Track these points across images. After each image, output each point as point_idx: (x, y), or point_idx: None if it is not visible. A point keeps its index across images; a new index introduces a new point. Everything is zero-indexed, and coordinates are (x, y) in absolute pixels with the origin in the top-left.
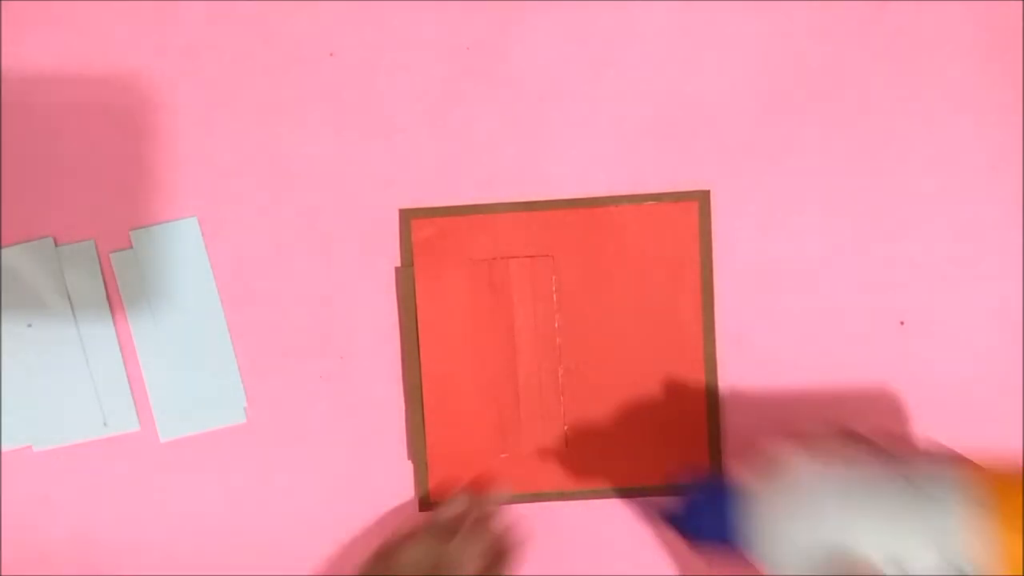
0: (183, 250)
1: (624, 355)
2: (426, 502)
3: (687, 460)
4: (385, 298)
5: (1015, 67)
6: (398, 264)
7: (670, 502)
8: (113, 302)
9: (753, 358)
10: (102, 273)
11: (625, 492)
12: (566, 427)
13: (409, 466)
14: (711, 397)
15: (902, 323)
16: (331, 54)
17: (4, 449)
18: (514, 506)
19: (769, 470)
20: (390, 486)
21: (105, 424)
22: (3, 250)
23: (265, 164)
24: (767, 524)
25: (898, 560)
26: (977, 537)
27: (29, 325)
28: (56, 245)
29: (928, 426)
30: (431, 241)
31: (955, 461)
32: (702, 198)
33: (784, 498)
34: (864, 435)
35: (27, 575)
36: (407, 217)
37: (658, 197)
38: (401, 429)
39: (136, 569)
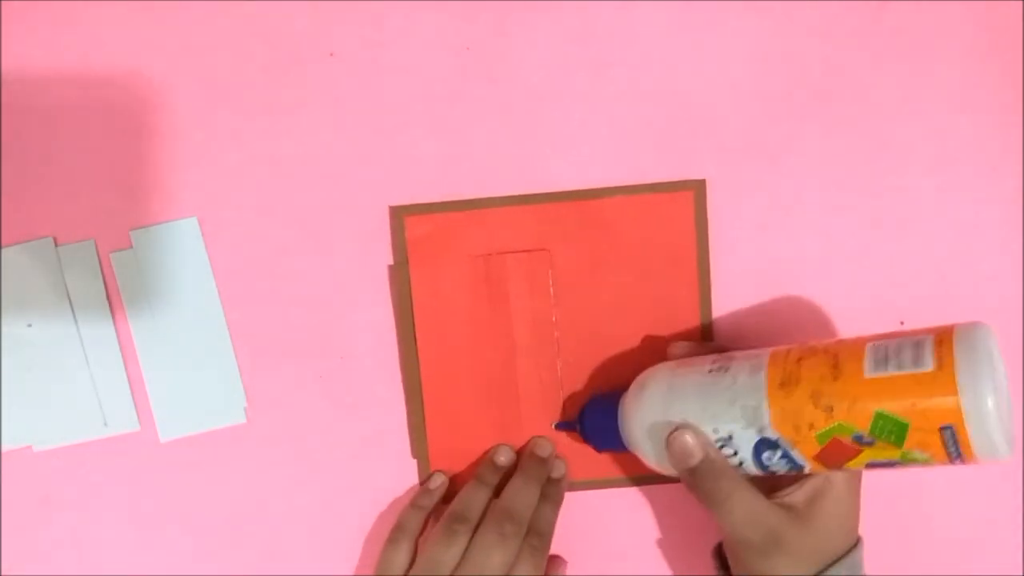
0: (183, 250)
1: (623, 347)
2: None
3: None
4: (385, 297)
5: (1015, 67)
6: (391, 262)
7: (576, 419)
8: (113, 302)
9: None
10: (102, 273)
11: (626, 482)
12: (566, 420)
13: (410, 464)
14: None
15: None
16: (331, 54)
17: (4, 449)
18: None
19: (638, 383)
20: (392, 485)
21: (105, 424)
22: (3, 250)
23: (265, 164)
24: (632, 420)
25: (720, 434)
26: (769, 406)
27: (29, 325)
28: (56, 245)
29: None
30: (426, 238)
31: (761, 354)
32: (697, 188)
33: (642, 398)
34: (720, 347)
35: (27, 575)
36: (399, 214)
37: (653, 188)
38: (402, 428)
39: (136, 569)
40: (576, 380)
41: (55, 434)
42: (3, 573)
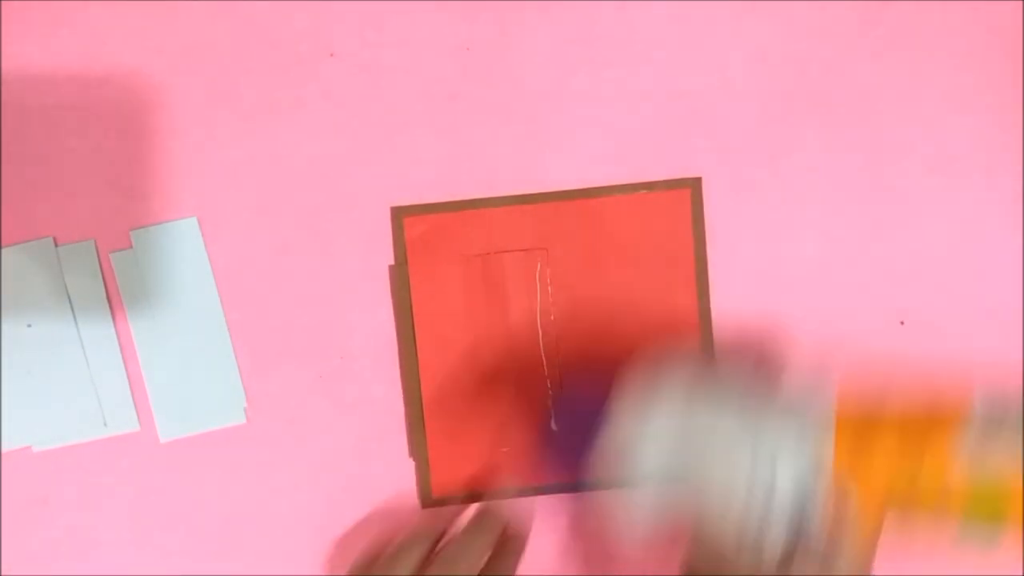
0: (183, 250)
1: (621, 346)
2: (428, 499)
3: None
4: (385, 297)
5: (1015, 68)
6: (392, 262)
7: None
8: (113, 302)
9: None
10: (102, 273)
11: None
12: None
13: (410, 464)
14: None
15: (902, 323)
16: (331, 54)
17: (4, 449)
18: (516, 500)
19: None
20: (391, 485)
21: (105, 424)
22: (3, 250)
23: (265, 164)
24: (625, 445)
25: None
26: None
27: (29, 325)
28: (56, 245)
29: None
30: (424, 238)
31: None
32: (694, 186)
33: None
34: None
35: (27, 575)
36: (399, 215)
37: (650, 186)
38: (402, 427)
39: (136, 569)
40: (575, 378)
41: (55, 434)
42: (3, 573)
